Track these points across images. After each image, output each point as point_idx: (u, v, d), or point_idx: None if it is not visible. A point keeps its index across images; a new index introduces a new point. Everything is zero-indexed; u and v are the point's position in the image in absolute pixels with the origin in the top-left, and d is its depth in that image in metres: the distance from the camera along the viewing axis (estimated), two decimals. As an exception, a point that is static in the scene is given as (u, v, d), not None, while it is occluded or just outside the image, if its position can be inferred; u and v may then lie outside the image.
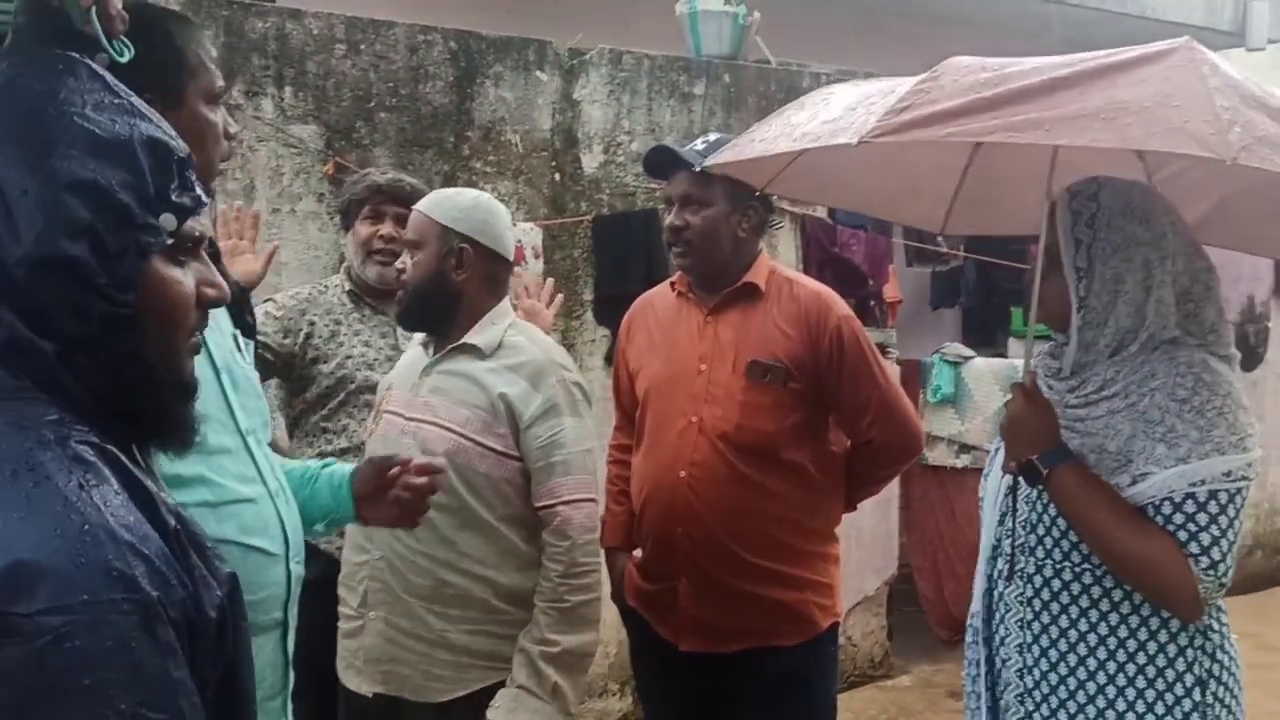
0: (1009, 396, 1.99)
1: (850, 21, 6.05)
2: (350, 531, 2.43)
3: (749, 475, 2.57)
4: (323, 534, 2.00)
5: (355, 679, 2.39)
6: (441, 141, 4.05)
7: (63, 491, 0.90)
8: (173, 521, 0.98)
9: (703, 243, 2.60)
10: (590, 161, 4.36)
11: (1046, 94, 1.73)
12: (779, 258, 4.84)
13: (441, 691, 2.31)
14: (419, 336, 2.52)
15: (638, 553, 2.76)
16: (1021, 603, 1.98)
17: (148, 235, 1.00)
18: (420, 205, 2.45)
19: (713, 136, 2.73)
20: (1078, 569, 1.93)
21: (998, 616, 2.04)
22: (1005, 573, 2.00)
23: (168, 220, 1.01)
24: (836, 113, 1.97)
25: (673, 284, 2.77)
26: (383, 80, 3.95)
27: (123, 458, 0.99)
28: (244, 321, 2.20)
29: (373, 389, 2.77)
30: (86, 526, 0.88)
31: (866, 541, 5.05)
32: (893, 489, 5.17)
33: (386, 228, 2.88)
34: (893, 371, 5.29)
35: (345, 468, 1.92)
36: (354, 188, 2.99)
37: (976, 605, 2.10)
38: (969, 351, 5.33)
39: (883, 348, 5.27)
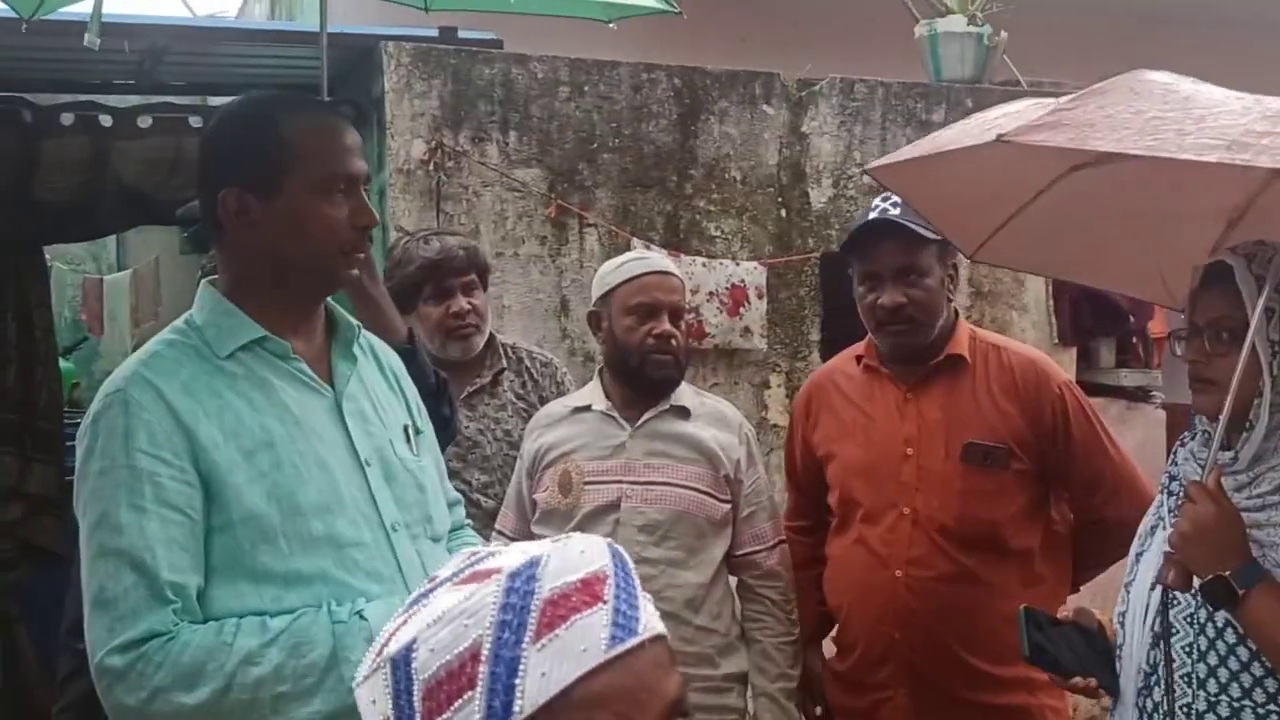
0: (1178, 498, 1.71)
1: (1110, 30, 5.57)
2: None
3: (974, 570, 2.31)
4: None
5: None
6: (664, 181, 3.97)
7: None
8: None
9: (927, 317, 2.33)
10: (819, 196, 4.17)
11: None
12: (1026, 294, 4.49)
13: None
14: (579, 403, 2.49)
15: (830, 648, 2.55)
16: None
17: None
18: (678, 272, 2.51)
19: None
20: (1262, 709, 1.63)
21: None
22: (1166, 708, 1.71)
23: None
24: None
25: (858, 357, 2.50)
26: (605, 121, 3.91)
27: None
28: (439, 414, 2.13)
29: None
30: None
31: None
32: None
33: (458, 303, 2.62)
34: (1157, 418, 4.89)
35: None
36: (405, 269, 2.67)
37: None
38: (1247, 395, 4.77)
39: (1145, 391, 4.81)
